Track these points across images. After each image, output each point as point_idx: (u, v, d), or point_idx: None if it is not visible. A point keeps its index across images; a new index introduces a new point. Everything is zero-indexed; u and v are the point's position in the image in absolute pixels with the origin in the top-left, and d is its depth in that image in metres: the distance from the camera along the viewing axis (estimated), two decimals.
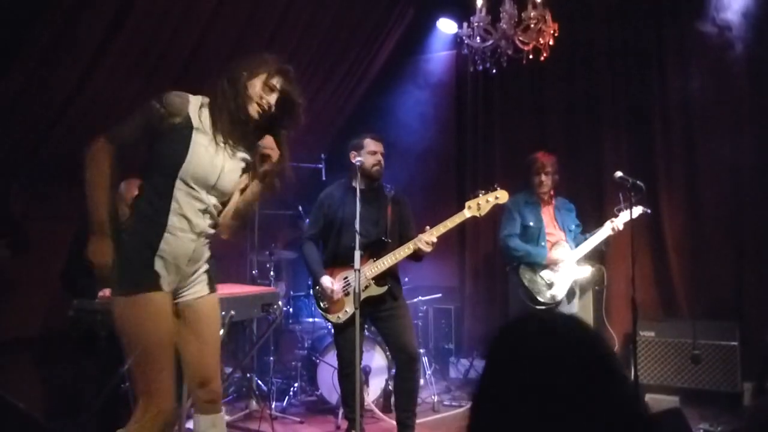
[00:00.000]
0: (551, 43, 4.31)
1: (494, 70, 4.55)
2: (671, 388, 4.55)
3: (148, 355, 2.13)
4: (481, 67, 4.54)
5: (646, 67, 5.17)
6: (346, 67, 5.57)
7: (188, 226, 2.24)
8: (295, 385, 4.76)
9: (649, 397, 4.60)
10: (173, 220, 2.22)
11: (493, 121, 5.86)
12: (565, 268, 4.10)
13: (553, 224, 4.26)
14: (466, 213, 3.55)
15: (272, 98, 2.35)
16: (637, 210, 3.94)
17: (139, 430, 2.12)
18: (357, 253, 3.12)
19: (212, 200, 2.31)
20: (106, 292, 3.49)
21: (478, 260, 5.82)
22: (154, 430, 2.12)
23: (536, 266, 4.12)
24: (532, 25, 4.25)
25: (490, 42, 4.40)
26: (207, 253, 2.39)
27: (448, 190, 6.01)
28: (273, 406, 4.41)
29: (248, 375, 4.50)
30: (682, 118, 5.04)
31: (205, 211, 2.29)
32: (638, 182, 3.64)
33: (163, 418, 2.15)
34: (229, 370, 4.61)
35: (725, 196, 4.89)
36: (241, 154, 2.37)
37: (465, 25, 4.48)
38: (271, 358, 4.63)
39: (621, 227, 4.08)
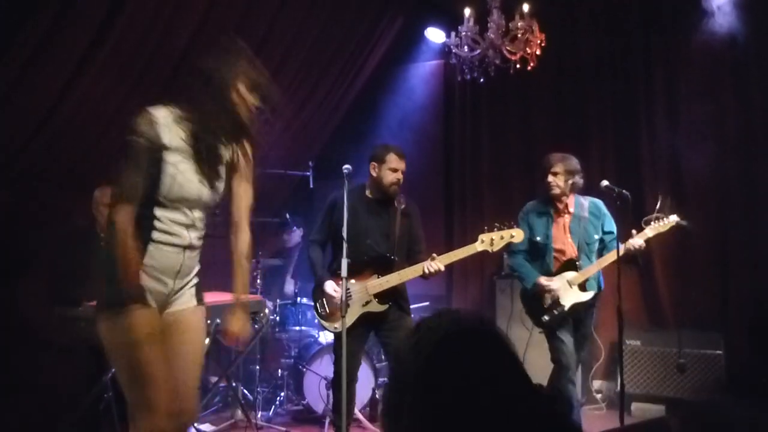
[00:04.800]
0: (538, 52, 4.35)
1: (482, 80, 4.58)
2: (657, 396, 4.56)
3: (139, 370, 2.06)
4: (468, 77, 4.57)
5: (632, 77, 5.22)
6: (334, 75, 5.58)
7: (172, 239, 2.17)
8: (282, 394, 4.72)
9: (635, 406, 4.62)
10: (156, 235, 2.14)
11: (480, 129, 5.88)
12: (565, 291, 3.66)
13: (564, 238, 3.77)
14: (478, 247, 3.46)
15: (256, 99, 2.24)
16: (671, 220, 3.64)
17: None
18: (344, 261, 3.09)
19: (197, 214, 2.22)
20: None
21: (466, 269, 5.82)
22: None
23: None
24: (520, 35, 4.29)
25: (478, 51, 4.43)
26: (196, 267, 2.31)
27: (435, 199, 6.02)
28: (259, 415, 4.36)
29: (234, 384, 4.46)
30: (669, 128, 5.09)
31: (190, 226, 2.20)
32: (624, 191, 3.64)
33: None
34: (214, 379, 4.57)
35: (711, 206, 4.93)
36: (221, 163, 2.26)
37: (453, 34, 4.51)
38: (257, 367, 4.59)
39: (639, 245, 3.58)
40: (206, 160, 2.19)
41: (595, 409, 4.78)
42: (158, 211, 2.14)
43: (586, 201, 3.83)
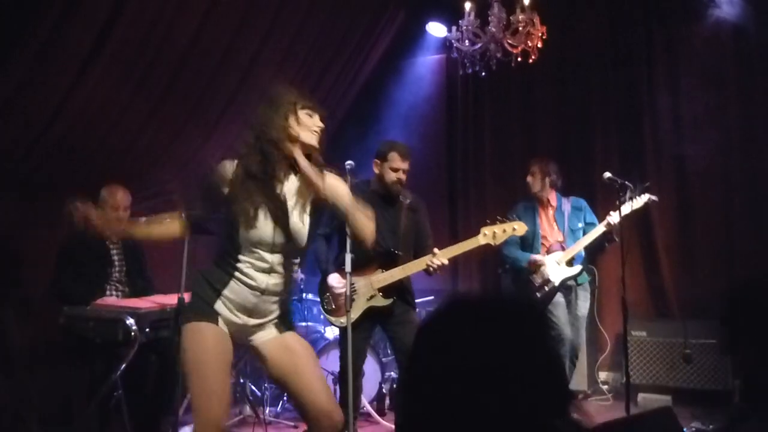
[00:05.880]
0: (540, 45, 4.35)
1: (483, 74, 4.58)
2: (663, 387, 4.57)
3: (200, 380, 2.23)
4: (470, 71, 4.57)
5: (635, 69, 5.21)
6: (336, 71, 5.58)
7: (249, 281, 2.31)
8: None
9: (641, 397, 4.63)
10: (237, 273, 2.30)
11: (483, 123, 5.88)
12: (553, 269, 4.09)
13: (550, 227, 4.27)
14: (480, 240, 3.48)
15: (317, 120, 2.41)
16: (643, 198, 3.98)
17: None
18: (348, 256, 3.08)
19: (276, 258, 2.32)
20: (107, 300, 3.53)
21: (471, 263, 5.83)
22: None
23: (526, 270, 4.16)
24: (521, 29, 4.29)
25: (480, 45, 4.43)
26: (276, 311, 2.40)
27: (438, 194, 6.02)
28: (267, 411, 4.39)
29: (242, 380, 4.49)
30: (672, 119, 5.08)
31: (270, 270, 2.32)
32: (627, 182, 3.67)
33: None
34: None
35: (715, 196, 4.93)
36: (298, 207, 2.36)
37: (454, 28, 4.50)
38: None
39: (616, 221, 3.94)
40: (277, 209, 2.31)
41: (602, 400, 4.79)
42: (240, 255, 2.31)
43: (569, 199, 4.35)
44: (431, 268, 3.41)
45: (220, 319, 2.31)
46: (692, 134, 4.96)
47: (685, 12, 4.97)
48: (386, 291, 3.46)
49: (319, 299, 3.70)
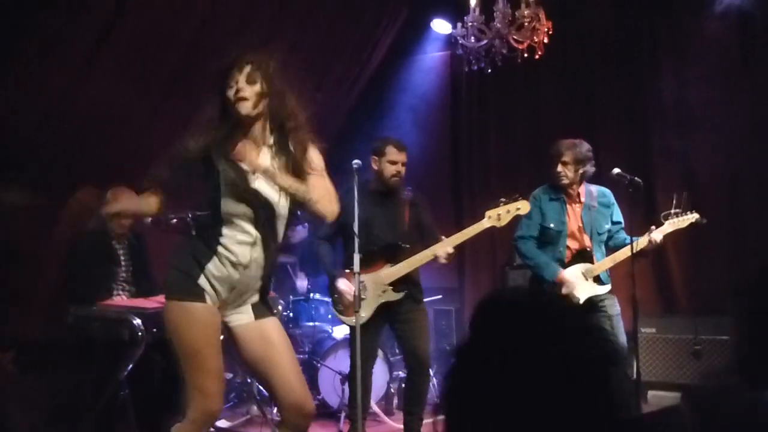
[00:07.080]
0: (546, 41, 4.31)
1: (489, 70, 4.54)
2: (673, 384, 4.53)
3: (196, 359, 2.23)
4: (475, 67, 4.54)
5: (641, 65, 5.17)
6: (340, 68, 5.56)
7: (232, 257, 2.27)
8: None
9: (651, 394, 4.59)
10: (221, 249, 2.27)
11: (488, 120, 5.85)
12: (580, 284, 3.56)
13: (578, 227, 3.64)
14: (485, 223, 3.46)
15: (249, 89, 2.27)
16: (690, 218, 3.61)
17: (190, 425, 2.24)
18: (356, 256, 3.08)
19: (260, 232, 2.30)
20: (117, 299, 3.53)
21: (478, 261, 5.80)
22: (202, 427, 2.26)
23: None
24: (526, 24, 4.25)
25: (485, 41, 4.39)
26: (257, 284, 2.37)
27: (443, 190, 6.00)
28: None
29: (249, 380, 4.47)
30: (678, 115, 5.04)
31: (253, 244, 2.29)
32: (636, 179, 3.62)
33: (212, 417, 2.29)
34: (229, 375, 4.59)
35: (723, 191, 4.89)
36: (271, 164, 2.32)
37: (459, 25, 4.48)
38: None
39: (659, 239, 3.55)
40: (242, 174, 2.26)
41: None
42: (224, 227, 2.26)
43: (595, 190, 3.73)
44: (442, 258, 3.40)
45: (206, 296, 2.26)
46: (699, 128, 4.92)
47: (690, 5, 4.93)
48: (396, 284, 3.46)
49: (330, 299, 3.71)
